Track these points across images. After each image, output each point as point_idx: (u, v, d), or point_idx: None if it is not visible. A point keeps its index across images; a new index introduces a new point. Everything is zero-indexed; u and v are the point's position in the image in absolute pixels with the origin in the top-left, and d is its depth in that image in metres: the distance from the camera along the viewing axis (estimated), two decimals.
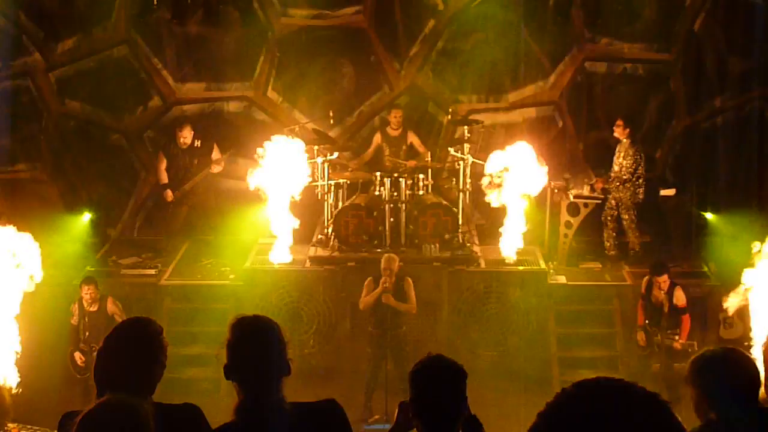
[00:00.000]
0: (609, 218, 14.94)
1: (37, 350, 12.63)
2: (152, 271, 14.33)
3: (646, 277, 12.65)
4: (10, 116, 15.26)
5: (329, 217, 14.67)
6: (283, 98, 16.05)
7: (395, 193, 14.20)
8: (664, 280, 12.29)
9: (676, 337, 12.23)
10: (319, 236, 14.73)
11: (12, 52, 15.37)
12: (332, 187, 14.70)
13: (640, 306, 12.73)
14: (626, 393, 1.86)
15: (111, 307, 12.18)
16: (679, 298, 12.31)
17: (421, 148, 15.28)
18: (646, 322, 12.55)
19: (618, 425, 1.80)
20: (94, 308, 12.22)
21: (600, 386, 1.88)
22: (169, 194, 15.09)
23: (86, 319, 12.26)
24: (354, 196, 14.69)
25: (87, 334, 12.08)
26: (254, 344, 4.22)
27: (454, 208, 14.49)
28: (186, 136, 14.99)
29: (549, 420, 1.88)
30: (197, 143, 15.21)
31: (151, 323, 4.56)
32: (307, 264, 14.23)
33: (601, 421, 1.81)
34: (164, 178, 15.16)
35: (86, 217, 15.00)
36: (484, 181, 13.56)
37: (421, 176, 14.47)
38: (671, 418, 1.85)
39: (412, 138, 15.35)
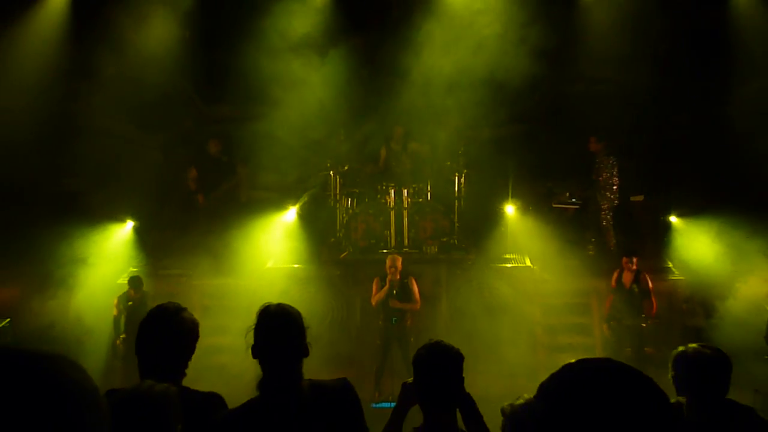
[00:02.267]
0: (588, 221, 14.98)
1: (83, 340, 12.82)
2: (187, 271, 14.37)
3: (616, 271, 12.72)
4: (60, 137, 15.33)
5: (341, 223, 14.71)
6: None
7: (399, 201, 14.25)
8: (633, 261, 12.41)
9: (645, 318, 12.32)
10: (332, 239, 14.77)
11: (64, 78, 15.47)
12: (343, 196, 14.76)
13: (609, 300, 12.79)
14: (621, 371, 1.92)
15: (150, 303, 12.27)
16: (647, 281, 12.42)
17: (421, 148, 15.41)
18: (614, 313, 12.59)
19: (612, 398, 1.84)
20: (136, 303, 12.35)
21: (597, 365, 1.93)
22: (200, 199, 15.21)
23: (126, 312, 12.42)
24: (362, 204, 14.74)
25: (128, 325, 12.23)
26: (277, 328, 4.25)
27: (451, 214, 14.54)
28: (214, 146, 15.18)
29: (552, 391, 1.91)
30: (224, 158, 15.31)
31: (177, 307, 4.61)
32: (322, 264, 14.27)
33: (596, 395, 1.85)
34: (195, 187, 15.27)
35: (128, 224, 15.05)
36: None
37: (421, 185, 14.56)
38: (659, 394, 1.88)
39: (413, 147, 15.46)
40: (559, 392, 1.90)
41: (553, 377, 1.94)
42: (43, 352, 1.71)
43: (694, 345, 4.88)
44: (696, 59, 15.71)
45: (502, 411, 4.07)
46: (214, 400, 4.55)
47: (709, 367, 4.73)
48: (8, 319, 11.83)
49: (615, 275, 12.74)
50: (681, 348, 4.90)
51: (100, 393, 1.74)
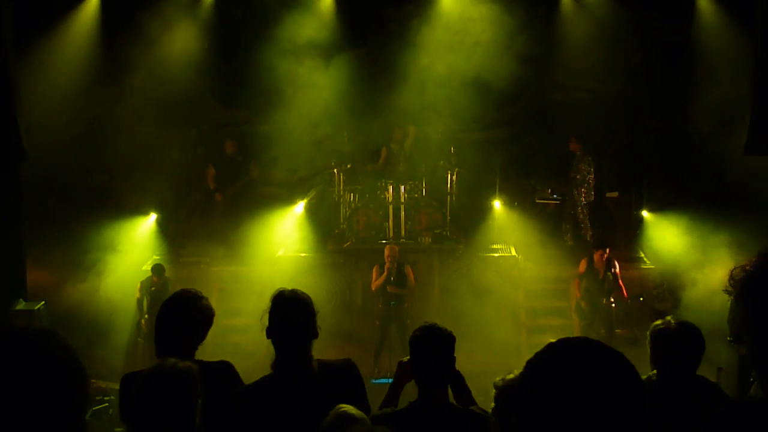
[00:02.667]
0: (566, 215, 14.98)
1: (112, 320, 12.85)
2: (205, 258, 14.35)
3: (584, 259, 12.67)
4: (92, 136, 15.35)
5: (344, 216, 14.71)
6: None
7: (396, 196, 14.24)
8: (604, 251, 12.40)
9: (612, 301, 12.35)
10: (336, 231, 14.78)
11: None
12: (346, 192, 14.76)
13: (576, 284, 12.78)
14: (597, 348, 1.95)
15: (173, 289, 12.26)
16: (617, 266, 12.43)
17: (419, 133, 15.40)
18: (585, 296, 12.60)
19: (589, 372, 1.88)
20: (159, 288, 12.33)
21: (577, 343, 1.97)
22: (219, 196, 15.20)
23: (150, 296, 12.40)
24: (364, 199, 14.74)
25: (151, 307, 12.22)
26: (290, 312, 4.25)
27: (443, 208, 14.54)
28: (230, 146, 15.17)
29: (537, 366, 1.95)
30: (239, 158, 15.29)
31: (197, 294, 4.61)
32: (327, 253, 14.27)
33: (576, 369, 1.89)
34: (213, 184, 15.26)
35: (152, 216, 15.06)
36: None
37: (417, 182, 14.56)
38: (630, 368, 1.93)
39: (412, 131, 15.44)
40: (543, 367, 1.93)
41: (539, 354, 1.98)
42: (28, 329, 1.88)
43: (673, 320, 4.86)
44: (665, 69, 15.71)
45: (495, 385, 4.07)
46: (224, 367, 4.59)
47: (686, 340, 4.70)
48: (43, 302, 11.82)
49: (584, 262, 12.69)
50: (660, 322, 4.87)
51: (82, 367, 1.88)
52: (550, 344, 1.99)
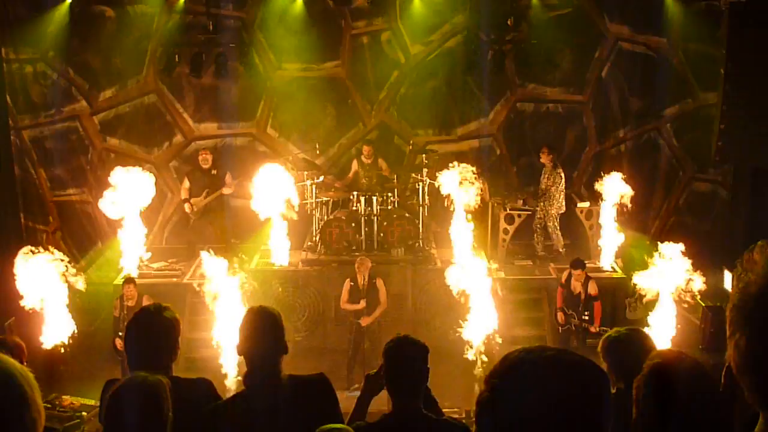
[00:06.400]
0: (538, 226, 15.02)
1: (88, 337, 12.68)
2: (176, 272, 14.25)
3: (567, 271, 12.72)
4: (62, 151, 15.28)
5: (317, 228, 14.69)
6: (280, 134, 16.20)
7: (369, 208, 14.23)
8: (580, 273, 12.40)
9: (590, 325, 12.38)
10: (309, 243, 14.75)
11: (63, 100, 15.43)
12: (319, 204, 14.73)
13: (560, 293, 12.80)
14: (567, 357, 1.91)
15: (146, 303, 12.10)
16: (593, 288, 12.41)
17: (386, 172, 15.29)
18: (564, 307, 12.63)
19: (560, 380, 1.85)
20: (132, 303, 12.17)
21: (546, 352, 1.92)
22: (188, 207, 15.07)
23: (125, 312, 12.22)
24: (336, 211, 14.74)
25: (126, 323, 12.02)
26: (259, 328, 4.26)
27: (416, 220, 14.54)
28: (206, 157, 14.98)
29: (503, 372, 1.91)
30: (214, 171, 15.20)
31: (163, 310, 4.55)
32: (300, 265, 14.23)
33: (546, 376, 1.85)
34: (185, 195, 15.15)
35: (126, 230, 14.90)
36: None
37: (389, 195, 14.53)
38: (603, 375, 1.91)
39: (382, 164, 15.38)
40: (504, 377, 1.90)
41: (495, 368, 1.94)
42: None
43: (622, 329, 4.90)
44: (635, 80, 15.88)
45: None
46: (202, 385, 4.55)
47: (639, 344, 4.74)
48: (13, 318, 11.67)
49: (565, 274, 12.74)
50: (611, 332, 4.91)
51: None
52: (506, 355, 1.95)
